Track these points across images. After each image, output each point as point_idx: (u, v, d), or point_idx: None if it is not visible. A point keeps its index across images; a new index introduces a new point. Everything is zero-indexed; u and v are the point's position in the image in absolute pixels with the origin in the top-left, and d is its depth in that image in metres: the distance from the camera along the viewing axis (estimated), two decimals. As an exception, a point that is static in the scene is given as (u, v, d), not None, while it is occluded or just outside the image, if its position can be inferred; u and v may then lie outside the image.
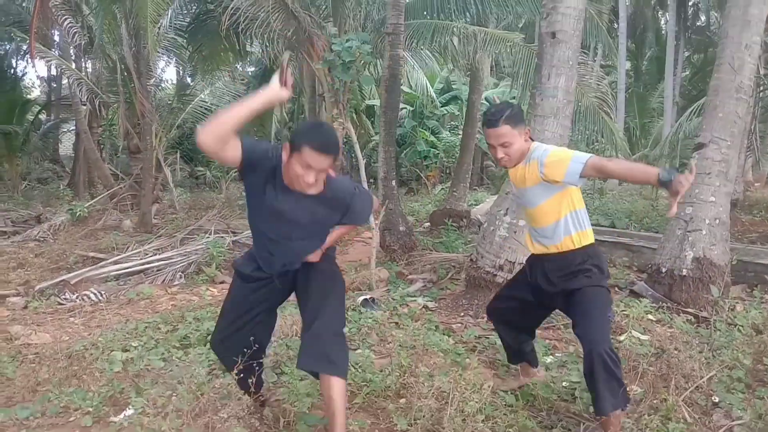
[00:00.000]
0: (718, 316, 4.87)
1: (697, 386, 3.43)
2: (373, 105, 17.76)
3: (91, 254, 7.95)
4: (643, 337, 4.31)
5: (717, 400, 3.36)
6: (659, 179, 2.42)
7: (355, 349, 4.31)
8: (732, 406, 3.25)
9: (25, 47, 16.95)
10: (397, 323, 5.01)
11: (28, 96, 22.94)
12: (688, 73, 25.48)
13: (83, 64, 14.66)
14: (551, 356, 4.11)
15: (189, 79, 17.04)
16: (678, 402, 3.17)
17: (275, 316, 3.01)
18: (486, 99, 16.92)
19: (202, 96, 14.90)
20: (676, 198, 2.41)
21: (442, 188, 16.91)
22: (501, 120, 2.73)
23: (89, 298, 6.02)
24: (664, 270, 5.58)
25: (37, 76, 24.02)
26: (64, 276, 6.58)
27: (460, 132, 14.26)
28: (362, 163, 6.99)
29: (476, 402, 2.93)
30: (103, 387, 3.53)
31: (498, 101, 2.89)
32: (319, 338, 2.58)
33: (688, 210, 5.60)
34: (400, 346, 4.19)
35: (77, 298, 6.01)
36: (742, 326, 4.56)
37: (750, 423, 3.00)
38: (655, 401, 3.25)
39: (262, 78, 13.67)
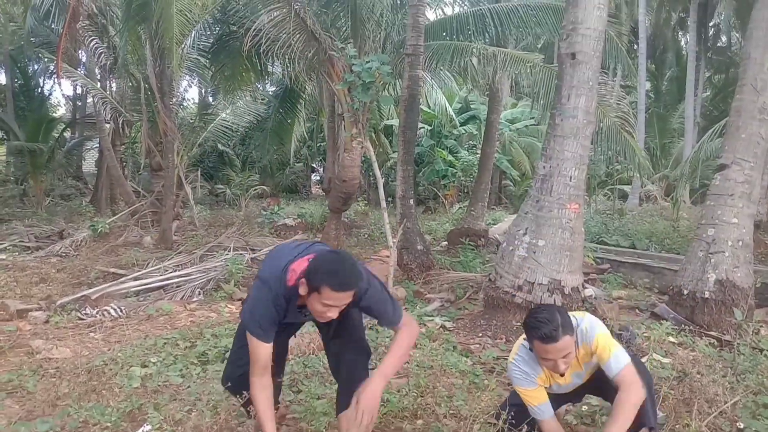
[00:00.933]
0: (741, 339, 4.78)
1: (721, 411, 3.36)
2: (392, 125, 17.88)
3: (112, 270, 8.04)
4: (664, 360, 4.24)
5: (742, 427, 3.27)
6: None
7: (372, 368, 4.29)
8: (758, 433, 3.17)
9: (52, 67, 17.37)
10: (414, 343, 4.98)
11: (54, 114, 23.52)
12: (709, 93, 25.35)
13: (108, 84, 14.99)
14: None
15: (211, 99, 17.32)
16: (701, 427, 3.10)
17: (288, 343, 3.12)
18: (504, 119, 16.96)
19: (224, 115, 15.12)
20: None
21: (460, 207, 16.89)
22: (560, 333, 2.46)
23: (109, 313, 6.07)
24: (685, 292, 5.50)
25: (63, 95, 24.62)
26: (85, 291, 6.65)
27: (479, 151, 14.27)
28: (381, 181, 7.00)
29: (494, 425, 2.89)
30: (121, 402, 3.55)
31: (542, 312, 2.57)
32: (365, 370, 2.81)
33: (710, 232, 5.53)
34: (417, 366, 4.17)
35: (98, 313, 6.06)
36: (767, 350, 4.47)
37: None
38: (677, 426, 3.18)
39: (283, 98, 13.82)
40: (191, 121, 14.44)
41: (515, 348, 2.82)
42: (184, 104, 18.22)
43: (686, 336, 4.96)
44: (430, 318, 5.85)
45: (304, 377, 3.94)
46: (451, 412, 3.13)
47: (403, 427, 3.10)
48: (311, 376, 3.97)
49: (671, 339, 4.85)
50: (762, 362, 4.18)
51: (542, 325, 2.47)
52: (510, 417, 2.75)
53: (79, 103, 21.27)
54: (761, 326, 5.35)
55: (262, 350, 2.50)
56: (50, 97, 23.69)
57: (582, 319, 2.67)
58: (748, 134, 5.52)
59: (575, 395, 3.05)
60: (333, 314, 2.38)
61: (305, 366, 4.15)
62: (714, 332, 5.14)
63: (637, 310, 6.20)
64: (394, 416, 3.30)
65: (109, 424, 3.29)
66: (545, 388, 2.78)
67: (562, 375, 2.68)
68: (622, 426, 2.48)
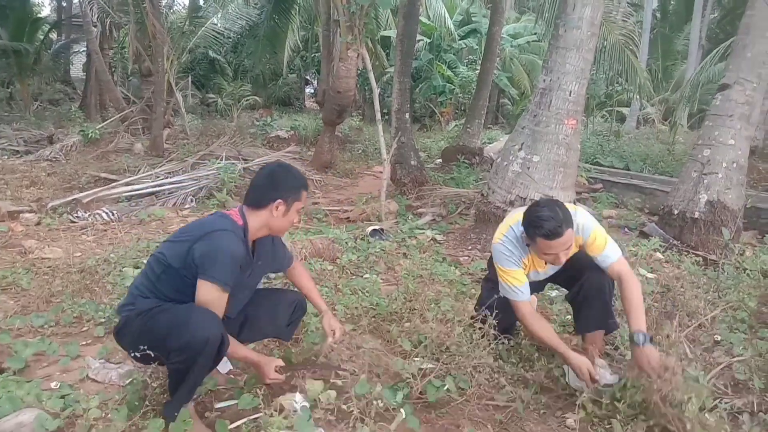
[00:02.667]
0: (727, 259, 4.86)
1: (700, 324, 3.46)
2: (389, 36, 17.30)
3: (103, 175, 7.98)
4: (649, 275, 4.33)
5: (719, 339, 3.38)
6: (633, 335, 2.54)
7: (363, 275, 4.36)
8: (733, 345, 3.27)
9: (34, -38, 16.50)
10: (405, 254, 5.06)
11: (39, 14, 22.51)
12: (717, 15, 24.52)
13: (94, -18, 14.27)
14: (556, 290, 4.13)
15: (201, 1, 16.59)
16: (680, 338, 3.19)
17: None
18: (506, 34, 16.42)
19: (214, 20, 14.56)
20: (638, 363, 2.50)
21: (456, 125, 16.69)
22: (564, 227, 2.48)
23: (101, 217, 6.07)
24: (676, 212, 5.54)
25: (47, -6, 23.53)
26: (77, 195, 6.62)
27: (478, 67, 13.91)
28: (376, 92, 6.83)
29: (480, 329, 2.96)
30: (115, 300, 3.61)
31: (544, 209, 2.54)
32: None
33: (705, 152, 5.51)
34: (406, 274, 4.24)
35: (89, 216, 6.05)
36: (751, 270, 4.55)
37: (749, 360, 3.02)
38: (657, 337, 3.27)
39: (276, 4, 13.24)
40: (180, 24, 13.88)
41: (502, 230, 2.82)
42: (174, 7, 17.48)
43: (673, 254, 5.03)
44: (421, 231, 5.90)
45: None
46: (438, 316, 3.20)
47: (391, 329, 3.18)
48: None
49: (658, 255, 4.92)
50: (744, 280, 4.27)
51: (545, 222, 2.47)
52: (496, 318, 2.81)
53: (64, 4, 20.38)
54: (747, 247, 5.42)
55: (225, 300, 2.28)
56: (33, -5, 22.59)
57: (575, 212, 2.68)
58: (755, 53, 5.38)
59: (539, 285, 3.15)
60: (299, 218, 2.49)
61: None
62: (701, 251, 5.22)
63: (626, 229, 6.26)
64: (383, 319, 3.38)
65: (103, 320, 3.37)
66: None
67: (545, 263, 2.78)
68: (641, 314, 2.63)
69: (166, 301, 2.30)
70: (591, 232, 2.70)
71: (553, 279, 3.10)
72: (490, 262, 3.10)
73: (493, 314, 2.80)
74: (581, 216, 2.71)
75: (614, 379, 2.63)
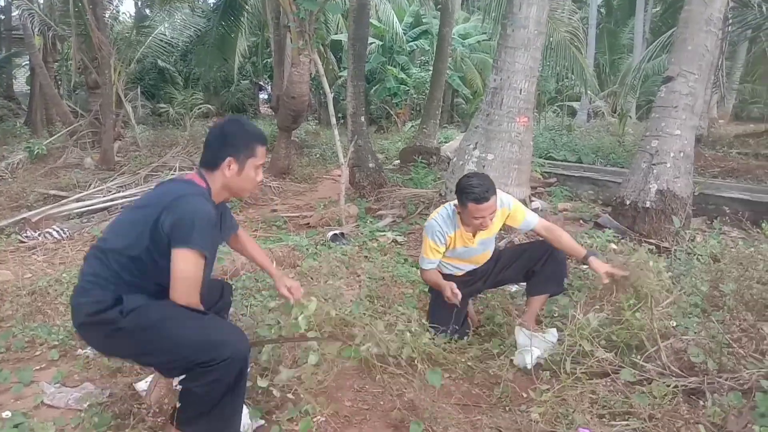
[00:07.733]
0: (678, 246, 5.01)
1: (655, 311, 3.54)
2: (340, 40, 17.29)
3: (52, 192, 7.73)
4: (605, 266, 4.41)
5: (674, 324, 3.48)
6: (588, 257, 3.11)
7: (326, 282, 4.33)
8: (688, 330, 3.37)
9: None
10: (366, 257, 5.04)
11: (-25, 28, 21.66)
12: (659, 8, 25.30)
13: (33, -6, 13.83)
14: (516, 285, 4.18)
15: (147, 11, 16.27)
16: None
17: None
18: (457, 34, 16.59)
19: (162, 29, 14.30)
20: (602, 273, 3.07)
21: (412, 125, 16.77)
22: (490, 193, 2.92)
23: (52, 235, 5.88)
24: (628, 202, 5.68)
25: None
26: (25, 214, 6.40)
27: (431, 68, 14.01)
28: (330, 96, 6.80)
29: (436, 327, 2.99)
30: (69, 321, 3.48)
31: (474, 178, 3.04)
32: None
33: (654, 143, 5.66)
34: (369, 278, 4.23)
35: (39, 235, 5.86)
36: (701, 255, 4.70)
37: (703, 343, 3.11)
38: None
39: (224, 10, 13.08)
40: (127, 34, 13.57)
41: (437, 210, 3.27)
42: (120, 18, 17.05)
43: (626, 244, 5.16)
44: (382, 233, 5.90)
45: (256, 291, 3.95)
46: (401, 318, 3.20)
47: (354, 333, 3.16)
48: (262, 290, 3.98)
49: (613, 246, 5.04)
50: (695, 266, 4.41)
51: (475, 188, 2.92)
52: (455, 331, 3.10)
53: (2, 17, 19.67)
54: (697, 233, 5.60)
55: (202, 269, 2.08)
56: (-32, 9, 21.72)
57: (498, 191, 3.08)
58: (694, 45, 5.56)
59: (474, 288, 3.45)
60: (261, 176, 2.33)
61: (257, 281, 4.15)
62: (653, 240, 5.36)
63: (581, 221, 6.39)
64: (345, 324, 3.35)
65: (56, 342, 3.25)
66: (453, 249, 3.25)
67: (473, 235, 3.19)
68: (571, 241, 3.23)
69: (149, 295, 2.07)
70: (513, 203, 3.21)
71: (509, 276, 3.44)
72: None
73: (450, 328, 3.10)
74: (503, 194, 3.17)
75: (535, 355, 2.93)
